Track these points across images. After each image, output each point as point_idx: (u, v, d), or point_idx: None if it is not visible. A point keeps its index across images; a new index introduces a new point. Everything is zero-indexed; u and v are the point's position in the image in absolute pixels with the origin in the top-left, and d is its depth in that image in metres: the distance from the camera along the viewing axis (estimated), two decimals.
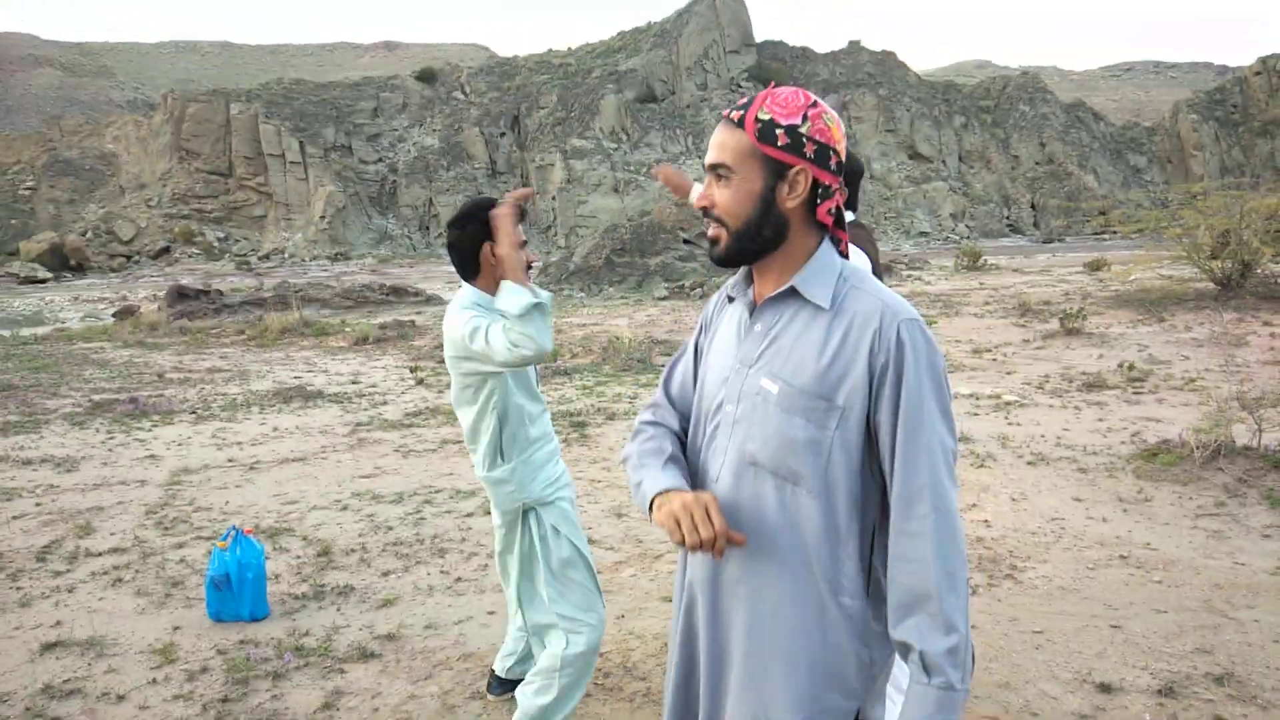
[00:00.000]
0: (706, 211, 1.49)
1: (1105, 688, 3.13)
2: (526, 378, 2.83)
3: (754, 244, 1.47)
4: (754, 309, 1.53)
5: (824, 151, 1.43)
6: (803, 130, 1.42)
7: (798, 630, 1.44)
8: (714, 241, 1.50)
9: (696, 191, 3.86)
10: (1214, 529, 4.72)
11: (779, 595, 1.45)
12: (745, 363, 1.51)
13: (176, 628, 3.77)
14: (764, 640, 1.47)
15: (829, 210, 1.48)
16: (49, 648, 3.58)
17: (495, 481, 2.77)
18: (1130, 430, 6.91)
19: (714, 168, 1.48)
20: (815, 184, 1.45)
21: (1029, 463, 6.12)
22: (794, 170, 1.43)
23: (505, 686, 3.11)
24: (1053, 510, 5.12)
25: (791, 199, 1.44)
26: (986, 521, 4.95)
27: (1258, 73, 70.51)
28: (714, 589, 1.53)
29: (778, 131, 1.42)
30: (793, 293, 1.48)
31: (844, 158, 1.48)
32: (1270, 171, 62.29)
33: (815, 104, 1.45)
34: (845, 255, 1.53)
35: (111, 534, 5.08)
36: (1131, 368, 9.35)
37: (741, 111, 1.45)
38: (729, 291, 1.61)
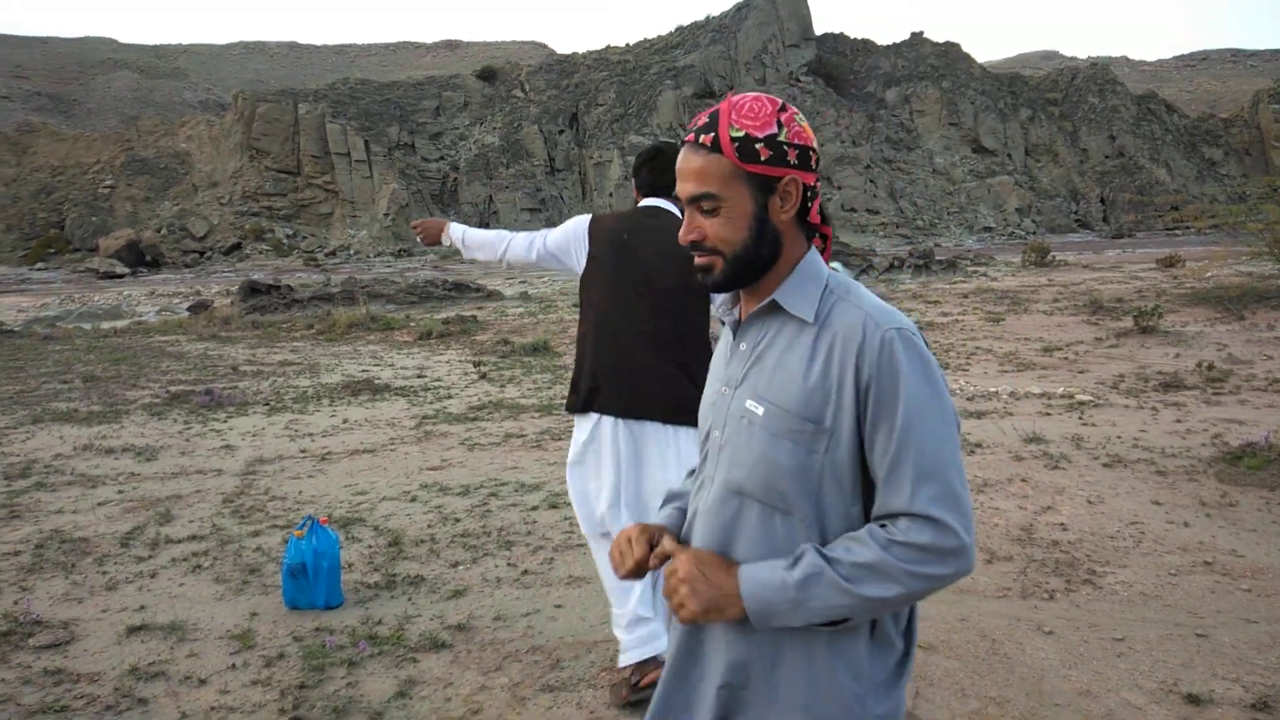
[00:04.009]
0: (698, 246, 1.40)
1: (1193, 699, 3.02)
2: None
3: (754, 266, 1.39)
4: (738, 327, 1.46)
5: (805, 154, 1.37)
6: (782, 138, 1.35)
7: (792, 675, 1.34)
8: (706, 270, 1.41)
9: (453, 234, 3.39)
10: None
11: (771, 636, 1.35)
12: (730, 384, 1.43)
13: (254, 614, 3.87)
14: (754, 687, 1.37)
15: (817, 210, 1.43)
16: (134, 630, 3.70)
17: None
18: (1211, 432, 6.67)
19: (697, 200, 1.39)
20: (805, 189, 1.39)
21: (1105, 464, 5.94)
22: (784, 182, 1.36)
23: None
24: (1131, 514, 4.97)
25: (785, 211, 1.38)
26: (1063, 525, 4.82)
27: None
28: (691, 629, 1.44)
29: (758, 146, 1.34)
30: (775, 307, 1.40)
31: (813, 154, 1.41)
32: None
33: (784, 107, 1.38)
34: (827, 250, 1.47)
35: (190, 521, 5.24)
36: (1211, 367, 9.03)
37: (710, 133, 1.37)
38: (718, 314, 1.55)
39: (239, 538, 4.90)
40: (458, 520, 5.14)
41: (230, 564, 4.50)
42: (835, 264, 3.75)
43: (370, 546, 4.73)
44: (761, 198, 1.37)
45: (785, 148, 1.36)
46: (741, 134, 1.35)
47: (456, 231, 3.39)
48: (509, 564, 4.44)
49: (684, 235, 1.42)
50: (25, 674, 3.36)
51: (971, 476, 5.74)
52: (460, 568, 4.40)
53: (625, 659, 3.04)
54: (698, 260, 1.42)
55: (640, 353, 2.97)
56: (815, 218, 1.42)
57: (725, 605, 1.31)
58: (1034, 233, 54.23)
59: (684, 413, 2.87)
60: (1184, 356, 10.04)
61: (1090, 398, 8.07)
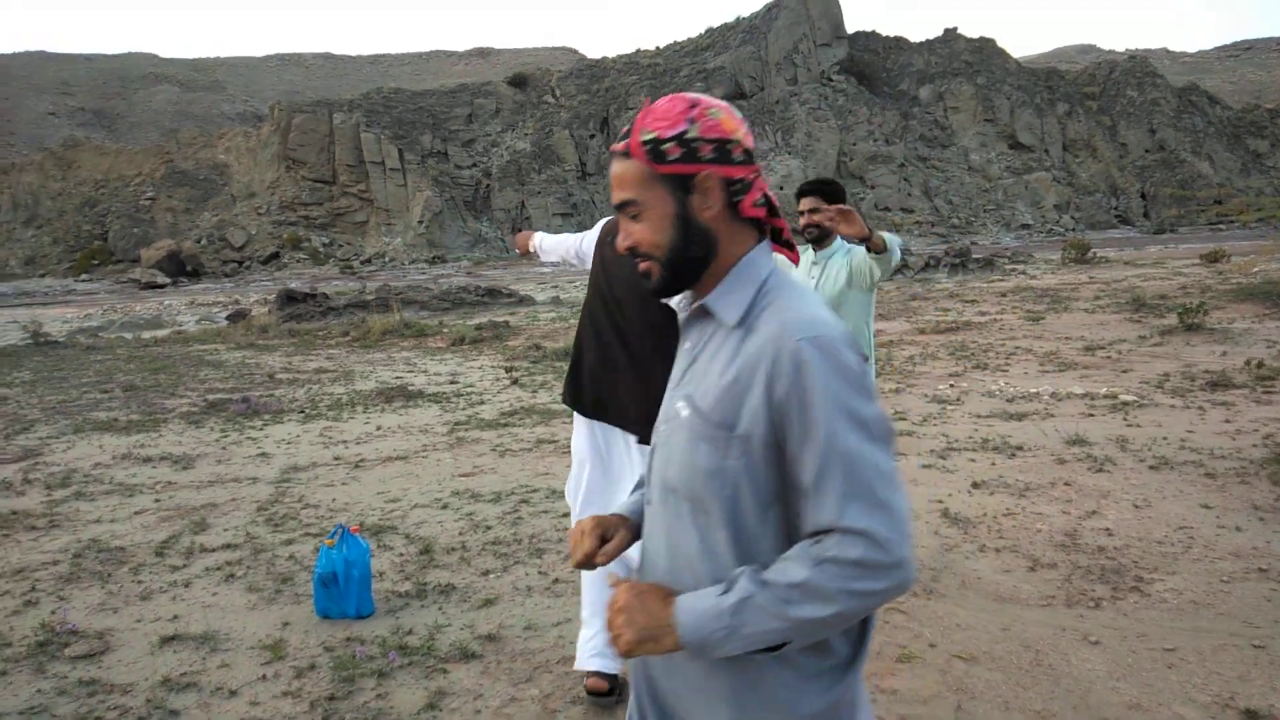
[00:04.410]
0: (634, 252, 1.41)
1: (1252, 714, 2.89)
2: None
3: (687, 267, 1.38)
4: (686, 326, 1.47)
5: (723, 147, 1.34)
6: (691, 135, 1.33)
7: (712, 673, 1.33)
8: (646, 275, 1.41)
9: (536, 241, 3.84)
10: None
11: None
12: (674, 383, 1.45)
13: (286, 624, 3.86)
14: (679, 680, 1.39)
15: (755, 203, 1.37)
16: (167, 641, 3.71)
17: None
18: (1262, 432, 6.46)
19: (621, 206, 1.40)
20: (728, 183, 1.35)
21: (1151, 467, 5.77)
22: (699, 179, 1.34)
23: None
24: (1180, 518, 4.81)
25: (707, 208, 1.35)
26: (1108, 530, 4.68)
27: None
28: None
29: (665, 147, 1.33)
30: (705, 309, 1.40)
31: (750, 145, 1.38)
32: None
33: (695, 103, 1.36)
34: (787, 241, 1.43)
35: (225, 530, 5.26)
36: (1260, 365, 8.76)
37: (625, 140, 1.38)
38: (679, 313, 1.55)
39: (272, 546, 4.91)
40: (489, 528, 5.12)
41: (263, 573, 4.50)
42: (888, 235, 3.70)
43: (402, 555, 4.72)
44: (681, 197, 1.35)
45: (697, 144, 1.33)
46: (651, 136, 1.35)
47: (536, 240, 3.77)
48: (540, 572, 4.40)
49: (620, 243, 1.43)
50: (61, 684, 3.37)
51: (1013, 480, 5.60)
52: (491, 576, 4.36)
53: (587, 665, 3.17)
54: (640, 266, 1.42)
55: (616, 360, 3.07)
56: (752, 211, 1.38)
57: (661, 635, 1.28)
58: (1073, 229, 53.32)
59: (644, 424, 2.93)
60: (1231, 354, 9.76)
61: (1134, 398, 7.86)
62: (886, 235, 3.69)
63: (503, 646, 3.59)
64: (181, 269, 51.95)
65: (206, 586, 4.36)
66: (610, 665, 3.12)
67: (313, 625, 3.83)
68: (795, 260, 1.47)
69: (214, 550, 4.89)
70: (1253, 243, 22.25)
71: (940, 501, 5.24)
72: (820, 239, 4.06)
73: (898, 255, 3.71)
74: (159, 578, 4.49)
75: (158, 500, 6.00)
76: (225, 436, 8.07)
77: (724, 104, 1.39)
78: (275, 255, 56.87)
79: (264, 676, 3.38)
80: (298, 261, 55.86)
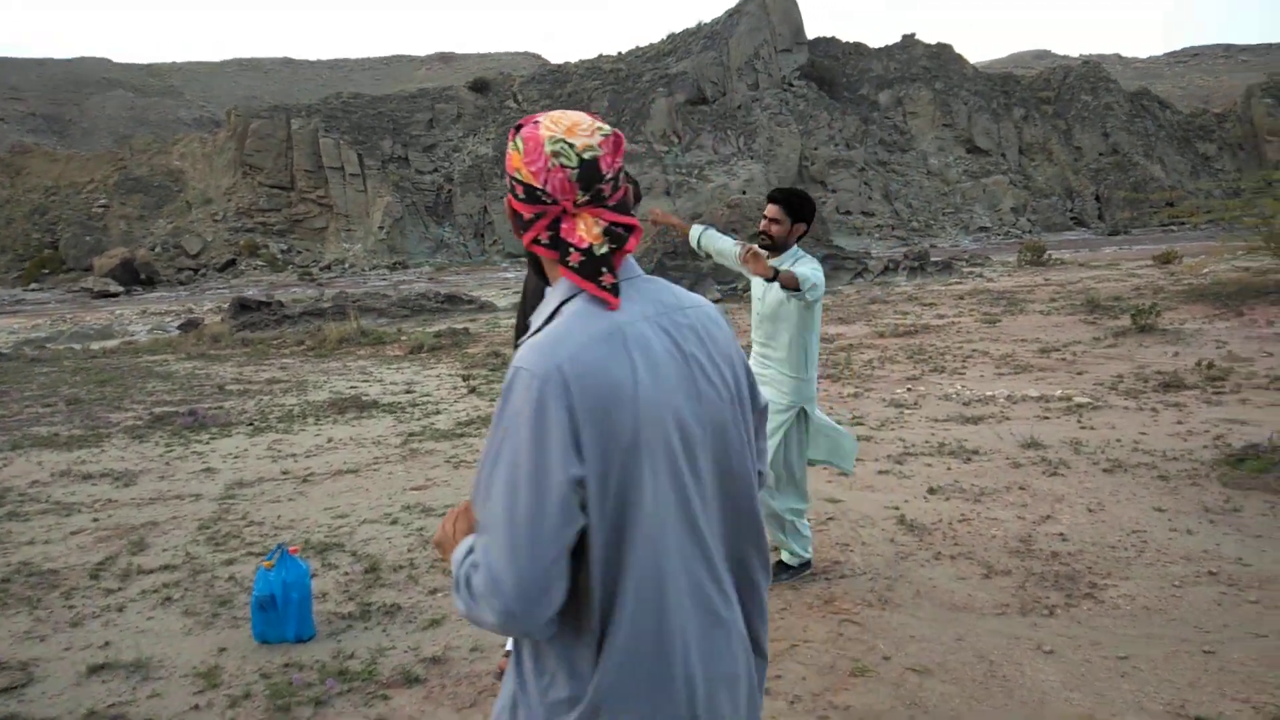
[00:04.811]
0: None
1: None
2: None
3: (539, 284, 1.49)
4: None
5: (512, 180, 1.40)
6: (510, 171, 1.41)
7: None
8: None
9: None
10: None
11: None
12: None
13: (222, 649, 3.72)
14: None
15: (534, 240, 1.40)
16: (96, 670, 3.55)
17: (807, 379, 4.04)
18: (1213, 433, 6.53)
19: None
20: (513, 213, 1.43)
21: (1105, 469, 5.80)
22: (510, 212, 1.43)
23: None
24: (1133, 521, 4.82)
25: (523, 238, 1.43)
26: (1062, 535, 4.67)
27: None
28: None
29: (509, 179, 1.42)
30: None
31: (534, 183, 1.36)
32: None
33: (517, 129, 1.41)
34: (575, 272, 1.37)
35: (164, 550, 5.08)
36: (1210, 366, 8.89)
37: None
38: None
39: (212, 567, 4.75)
40: None
41: (201, 595, 4.34)
42: (805, 271, 3.71)
43: (347, 574, 4.57)
44: (519, 223, 1.44)
45: (510, 180, 1.41)
46: None
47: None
48: None
49: None
50: None
51: (969, 485, 5.59)
52: (439, 595, 4.24)
53: None
54: None
55: None
56: (531, 246, 1.41)
57: (447, 549, 1.41)
58: (1029, 232, 54.16)
59: None
60: (1183, 355, 9.90)
61: (1089, 400, 7.92)
62: (803, 272, 3.75)
63: (448, 669, 3.48)
64: (135, 278, 50.86)
65: (142, 611, 4.19)
66: None
67: (250, 650, 3.69)
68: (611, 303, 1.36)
69: (151, 572, 4.71)
70: (1203, 244, 22.67)
71: (897, 508, 5.21)
72: (772, 248, 4.03)
73: (808, 297, 3.79)
74: (92, 602, 4.31)
75: (96, 519, 5.79)
76: (170, 451, 7.84)
77: (538, 134, 1.36)
78: (232, 263, 55.92)
79: (196, 707, 3.24)
80: (255, 269, 54.97)
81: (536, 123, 1.38)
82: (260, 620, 3.72)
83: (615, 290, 1.34)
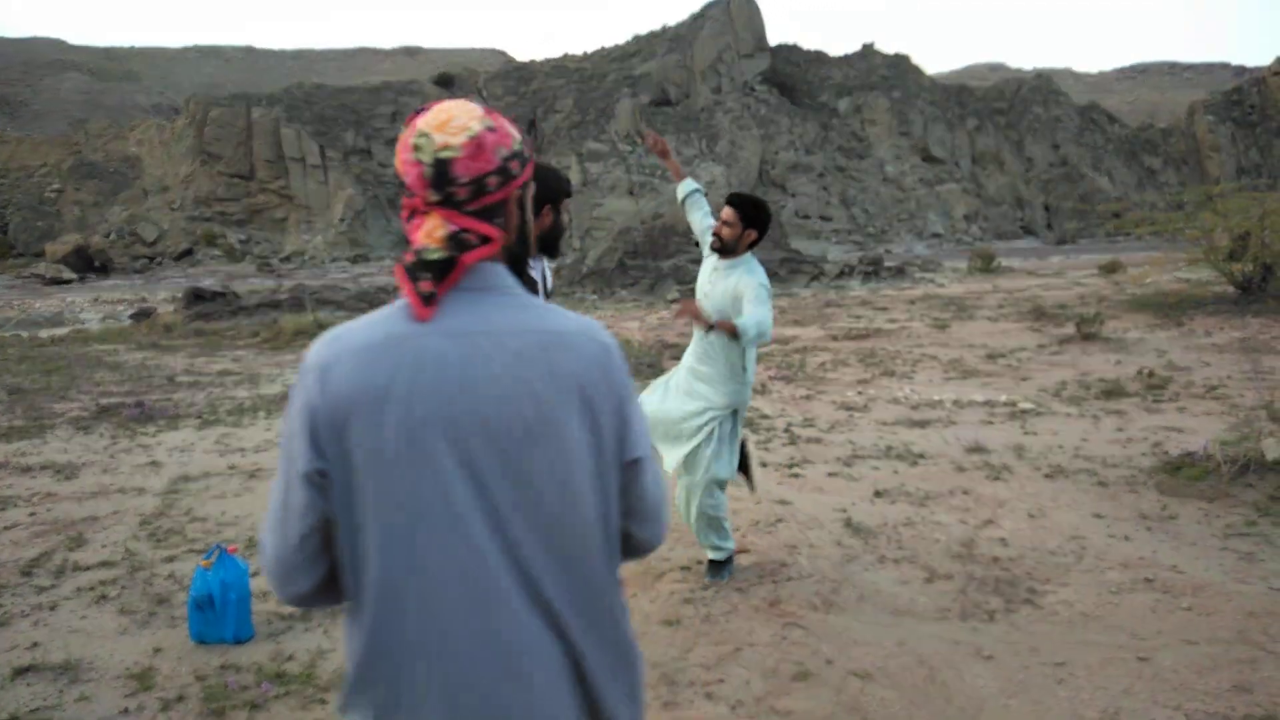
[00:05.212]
0: None
1: None
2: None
3: None
4: None
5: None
6: None
7: None
8: None
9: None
10: (1245, 550, 4.50)
11: None
12: None
13: (158, 650, 3.64)
14: None
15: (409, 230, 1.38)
16: (21, 672, 3.45)
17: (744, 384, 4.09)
18: (1151, 441, 6.69)
19: None
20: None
21: (1046, 475, 5.91)
22: None
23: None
24: (1073, 528, 4.92)
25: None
26: (1003, 540, 4.75)
27: (1276, 73, 69.72)
28: None
29: None
30: None
31: (401, 174, 1.35)
32: None
33: (409, 122, 1.37)
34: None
35: (103, 546, 4.96)
36: (1151, 374, 9.11)
37: None
38: None
39: (151, 564, 4.65)
40: None
41: (139, 593, 4.25)
42: (747, 322, 3.81)
43: None
44: None
45: None
46: None
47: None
48: None
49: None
50: None
51: (914, 488, 5.67)
52: None
53: None
54: None
55: None
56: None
57: None
58: (981, 239, 55.11)
59: None
60: (1125, 363, 10.12)
61: (1032, 405, 8.07)
62: (744, 323, 3.73)
63: None
64: (89, 264, 49.63)
65: (75, 609, 4.08)
66: None
67: (187, 651, 3.62)
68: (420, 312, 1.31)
69: (88, 569, 4.60)
70: (1146, 254, 23.22)
71: (844, 510, 5.27)
72: (722, 250, 4.05)
73: (752, 345, 3.90)
74: (22, 600, 4.20)
75: (33, 514, 5.64)
76: (115, 444, 7.66)
77: (415, 124, 1.34)
78: (189, 252, 54.81)
79: (126, 710, 3.17)
80: (213, 258, 53.94)
81: (426, 111, 1.35)
82: (198, 620, 3.65)
83: (428, 299, 1.29)
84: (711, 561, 4.28)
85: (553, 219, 3.03)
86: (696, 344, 4.17)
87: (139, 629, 3.85)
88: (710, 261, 4.19)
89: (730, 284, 4.00)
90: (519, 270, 1.41)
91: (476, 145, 1.31)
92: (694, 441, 4.08)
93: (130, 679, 3.38)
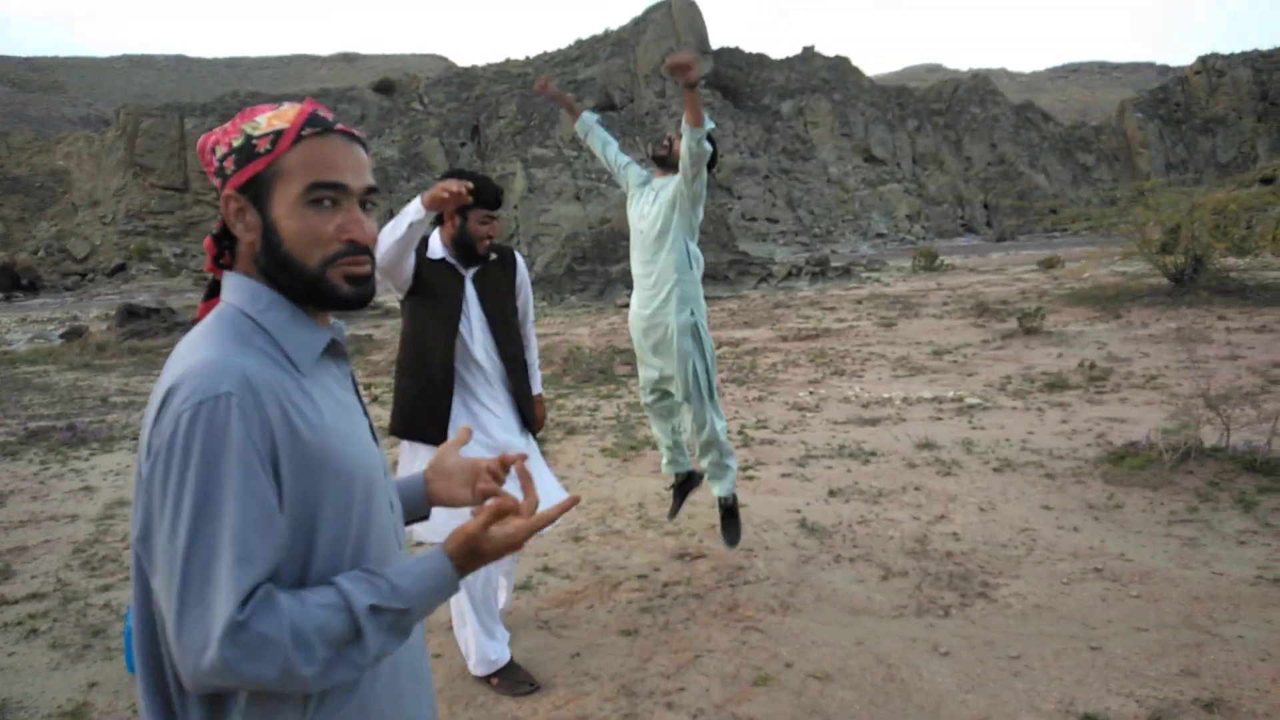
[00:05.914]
0: (366, 249, 1.25)
1: (1090, 718, 2.95)
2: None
3: None
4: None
5: None
6: None
7: None
8: (366, 279, 1.26)
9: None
10: (1188, 536, 4.60)
11: None
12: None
13: (93, 684, 3.48)
14: None
15: None
16: None
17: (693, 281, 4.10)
18: (1095, 432, 6.81)
19: (372, 191, 1.26)
20: None
21: (995, 469, 5.98)
22: None
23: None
24: (1022, 520, 4.98)
25: None
26: (955, 534, 4.78)
27: (1197, 72, 72.48)
28: None
29: None
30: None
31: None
32: (1213, 168, 63.85)
33: None
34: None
35: (33, 577, 4.75)
36: (1092, 366, 9.31)
37: (352, 127, 1.28)
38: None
39: (85, 594, 4.45)
40: None
41: (72, 625, 4.06)
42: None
43: None
44: None
45: None
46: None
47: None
48: None
49: (363, 234, 1.25)
50: None
51: (867, 486, 5.69)
52: None
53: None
54: (363, 269, 1.26)
55: None
56: None
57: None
58: (923, 238, 56.14)
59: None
60: (1066, 356, 10.33)
61: (979, 401, 8.18)
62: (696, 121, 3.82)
63: None
64: (15, 283, 47.94)
65: (3, 646, 3.89)
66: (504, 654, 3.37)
67: (124, 684, 3.46)
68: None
69: (16, 602, 4.39)
70: (1083, 249, 23.88)
71: (798, 511, 5.26)
72: (669, 163, 4.17)
73: (702, 142, 3.87)
74: None
75: None
76: (45, 469, 7.37)
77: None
78: (122, 267, 53.29)
79: None
80: (147, 273, 52.52)
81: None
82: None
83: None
84: (723, 514, 4.39)
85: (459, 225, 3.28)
86: (643, 246, 4.18)
87: (72, 663, 3.68)
88: (646, 188, 4.25)
89: (669, 191, 4.09)
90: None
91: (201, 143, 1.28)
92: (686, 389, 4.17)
93: (63, 716, 3.22)
